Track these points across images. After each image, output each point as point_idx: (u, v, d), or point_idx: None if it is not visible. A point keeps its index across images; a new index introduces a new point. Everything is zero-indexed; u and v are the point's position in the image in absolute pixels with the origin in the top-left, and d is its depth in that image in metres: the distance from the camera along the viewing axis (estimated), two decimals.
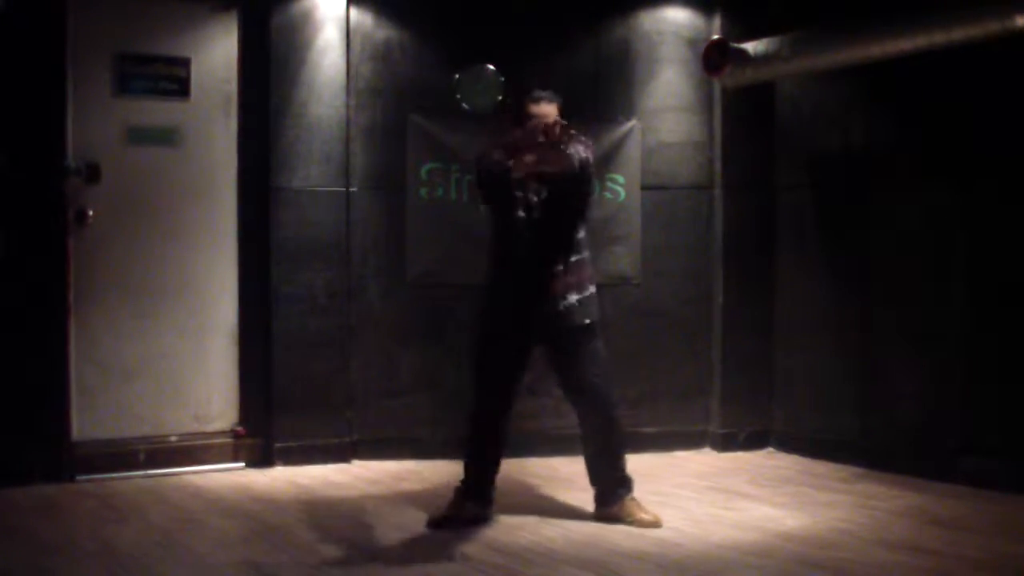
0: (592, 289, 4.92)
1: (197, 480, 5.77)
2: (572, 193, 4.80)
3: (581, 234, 4.89)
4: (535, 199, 4.78)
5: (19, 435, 5.54)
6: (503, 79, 5.11)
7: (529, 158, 4.65)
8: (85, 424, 5.80)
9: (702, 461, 6.36)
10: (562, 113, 4.82)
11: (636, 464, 6.15)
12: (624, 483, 4.97)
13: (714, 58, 6.08)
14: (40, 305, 5.64)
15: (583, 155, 4.71)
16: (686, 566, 4.26)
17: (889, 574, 4.17)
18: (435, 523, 4.83)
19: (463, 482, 4.94)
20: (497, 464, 4.98)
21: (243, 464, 6.09)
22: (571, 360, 4.89)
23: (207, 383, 6.15)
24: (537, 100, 4.82)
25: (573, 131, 4.76)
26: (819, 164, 6.42)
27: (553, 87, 4.91)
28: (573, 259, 4.85)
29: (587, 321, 4.87)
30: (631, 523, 4.83)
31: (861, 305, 6.15)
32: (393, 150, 6.33)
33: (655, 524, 4.81)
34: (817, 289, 6.39)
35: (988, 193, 5.55)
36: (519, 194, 4.78)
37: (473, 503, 4.90)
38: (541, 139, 4.63)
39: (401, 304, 6.35)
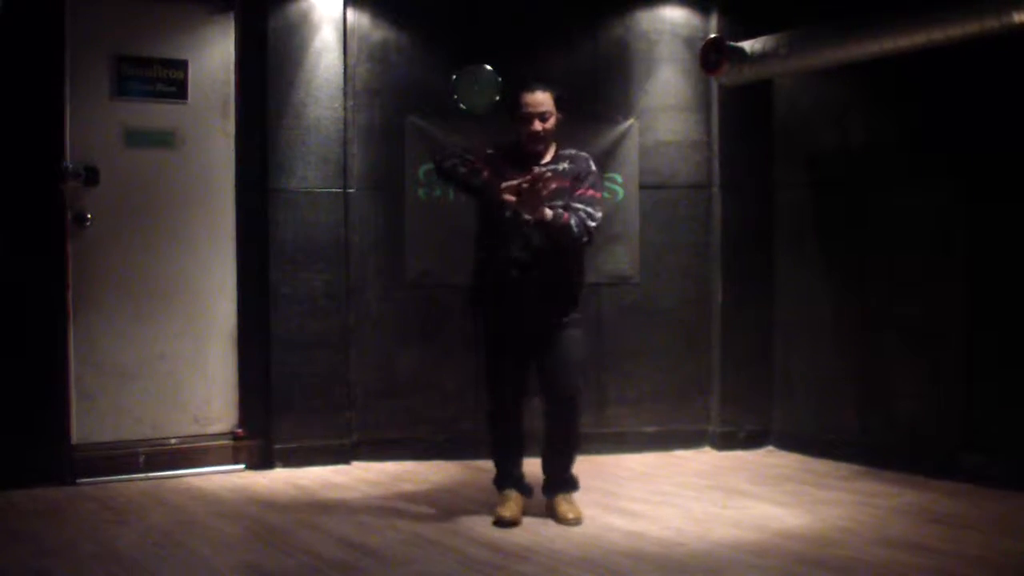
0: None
1: (197, 482, 5.77)
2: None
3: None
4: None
5: (19, 438, 5.54)
6: (500, 79, 5.12)
7: (509, 196, 4.66)
8: (85, 427, 5.80)
9: (702, 460, 6.36)
10: (557, 105, 4.87)
11: (636, 463, 6.19)
12: (567, 483, 5.05)
13: (712, 57, 6.08)
14: (39, 308, 5.64)
15: (582, 222, 4.74)
16: (687, 565, 4.26)
17: (890, 572, 4.17)
18: (499, 523, 4.87)
19: (500, 479, 5.04)
20: (522, 451, 5.09)
21: (243, 466, 6.09)
22: (551, 343, 4.90)
23: (206, 385, 6.15)
24: (532, 89, 4.85)
25: (588, 185, 4.85)
26: (818, 162, 6.42)
27: (551, 87, 4.93)
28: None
29: (575, 315, 4.94)
30: (557, 521, 4.89)
31: (860, 303, 6.15)
32: (391, 151, 6.33)
33: (574, 522, 4.86)
34: (816, 287, 6.39)
35: (988, 192, 5.55)
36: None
37: (525, 490, 5.03)
38: (525, 186, 4.61)
39: (400, 305, 6.35)
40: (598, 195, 4.90)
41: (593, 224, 4.80)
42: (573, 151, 4.99)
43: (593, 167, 4.96)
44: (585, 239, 4.79)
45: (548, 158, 4.93)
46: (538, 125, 4.83)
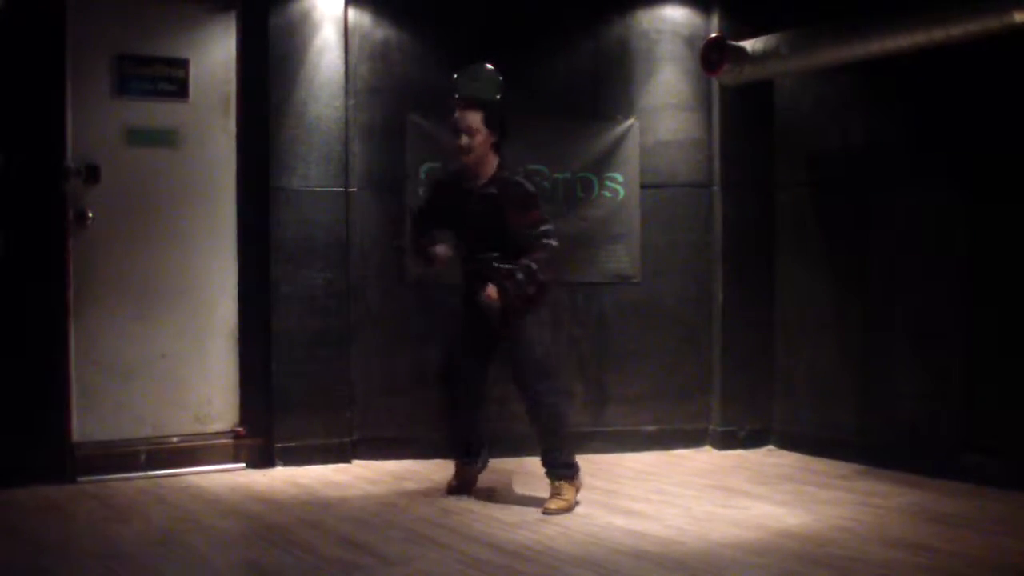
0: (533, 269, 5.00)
1: (198, 481, 5.77)
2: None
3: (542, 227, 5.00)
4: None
5: (20, 436, 5.54)
6: (501, 78, 5.12)
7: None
8: (86, 425, 5.80)
9: (702, 459, 6.36)
10: (487, 123, 4.99)
11: (637, 462, 6.20)
12: (555, 465, 5.10)
13: (712, 56, 6.09)
14: (40, 306, 5.64)
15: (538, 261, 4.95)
16: (687, 564, 4.26)
17: (889, 571, 4.17)
18: (451, 491, 5.21)
19: (453, 447, 5.27)
20: (475, 421, 5.32)
21: (244, 464, 6.09)
22: (509, 334, 5.07)
23: (207, 383, 6.15)
24: (460, 106, 5.06)
25: (528, 211, 4.98)
26: (818, 162, 6.42)
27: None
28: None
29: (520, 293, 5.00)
30: (543, 510, 4.97)
31: (861, 303, 6.15)
32: (392, 150, 6.33)
33: (555, 512, 4.91)
34: (817, 287, 6.40)
35: (988, 193, 5.55)
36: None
37: (469, 460, 5.28)
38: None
39: (400, 303, 6.35)
40: (539, 214, 4.98)
41: (550, 240, 4.93)
42: (506, 174, 5.06)
43: (527, 189, 5.02)
44: (543, 274, 4.95)
45: (483, 180, 5.05)
46: (463, 139, 4.98)
